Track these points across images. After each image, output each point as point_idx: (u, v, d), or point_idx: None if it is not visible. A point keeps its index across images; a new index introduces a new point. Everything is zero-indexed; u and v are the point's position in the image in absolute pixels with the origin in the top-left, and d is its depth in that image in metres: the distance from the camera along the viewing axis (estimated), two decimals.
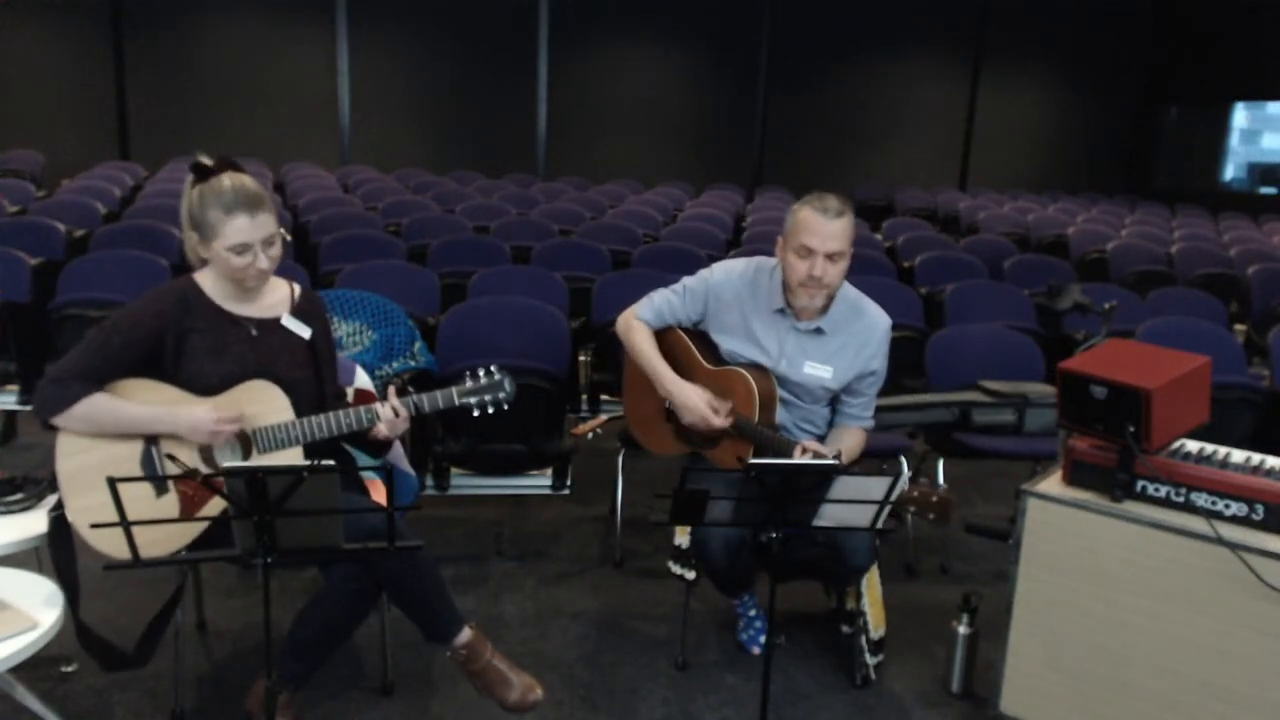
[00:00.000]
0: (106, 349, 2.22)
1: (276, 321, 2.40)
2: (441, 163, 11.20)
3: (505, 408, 2.46)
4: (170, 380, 2.28)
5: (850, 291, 2.78)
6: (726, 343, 2.79)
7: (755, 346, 2.75)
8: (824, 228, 2.54)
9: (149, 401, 2.25)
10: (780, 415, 2.74)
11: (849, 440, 2.77)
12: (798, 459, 2.50)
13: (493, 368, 2.46)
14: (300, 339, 2.42)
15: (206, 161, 2.29)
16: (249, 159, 9.82)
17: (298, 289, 2.50)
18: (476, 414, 2.45)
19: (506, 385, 2.45)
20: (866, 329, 2.74)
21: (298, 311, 2.45)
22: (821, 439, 2.80)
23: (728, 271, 2.82)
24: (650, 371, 2.82)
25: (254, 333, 2.36)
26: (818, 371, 2.72)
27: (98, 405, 2.19)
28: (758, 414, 2.67)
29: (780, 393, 2.74)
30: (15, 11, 10.78)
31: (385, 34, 12.10)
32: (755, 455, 2.67)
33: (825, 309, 2.71)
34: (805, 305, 2.67)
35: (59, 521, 2.29)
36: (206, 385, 2.28)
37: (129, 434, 2.24)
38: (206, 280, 2.35)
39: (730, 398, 2.72)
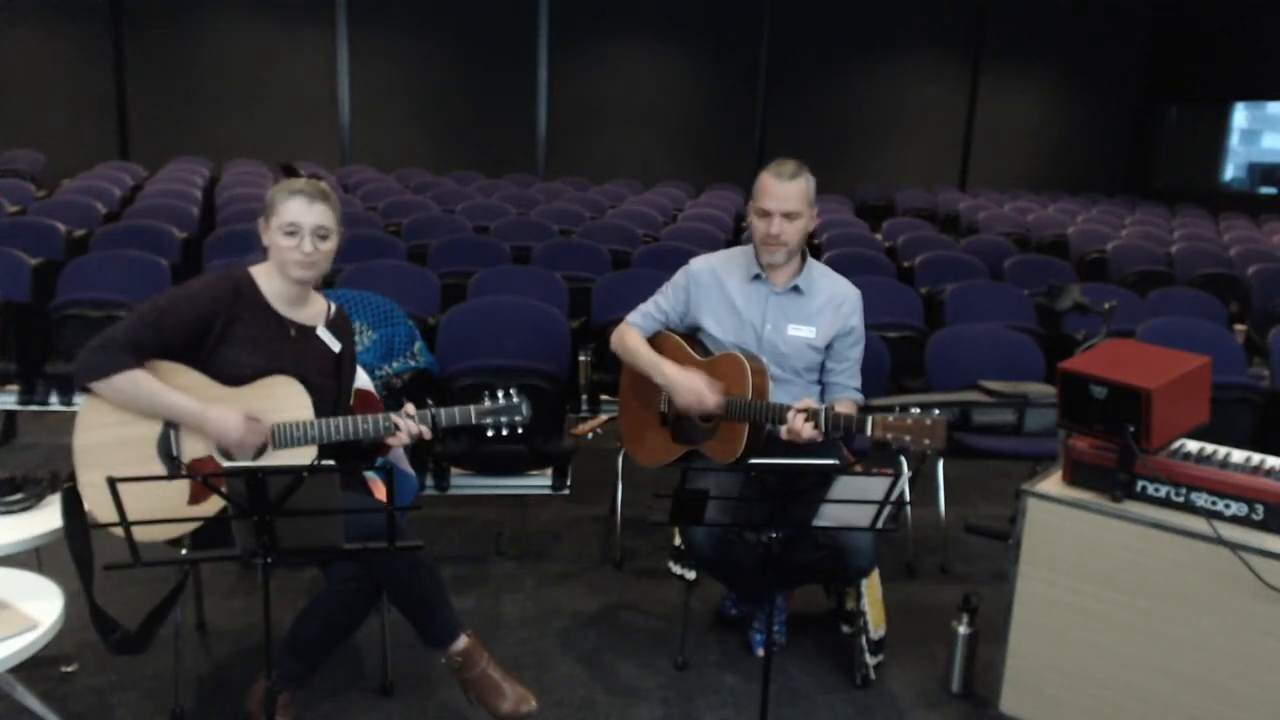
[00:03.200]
0: (158, 325, 2.27)
1: (313, 330, 2.50)
2: (441, 163, 11.21)
3: (520, 431, 2.52)
4: (204, 362, 2.33)
5: (821, 265, 2.96)
6: (712, 325, 2.86)
7: (738, 318, 2.83)
8: (779, 190, 2.73)
9: (177, 387, 2.28)
10: (776, 397, 2.76)
11: (841, 408, 2.80)
12: (793, 419, 2.58)
13: (512, 390, 2.52)
14: (331, 350, 2.52)
15: (299, 169, 2.41)
16: (249, 159, 9.85)
17: (333, 307, 2.60)
18: (491, 434, 2.50)
19: (524, 410, 2.52)
20: (843, 291, 2.91)
21: (331, 326, 2.55)
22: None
23: (704, 258, 2.97)
24: (645, 364, 2.86)
25: (293, 334, 2.44)
26: (801, 332, 2.83)
27: (137, 381, 2.23)
28: (751, 392, 2.70)
29: (772, 369, 2.78)
30: (15, 11, 10.79)
31: (385, 34, 12.10)
32: (752, 431, 2.70)
33: (799, 270, 2.86)
34: (769, 262, 2.82)
35: (71, 494, 2.31)
36: (239, 375, 2.33)
37: (155, 415, 2.28)
38: (261, 277, 2.44)
39: (723, 379, 2.76)
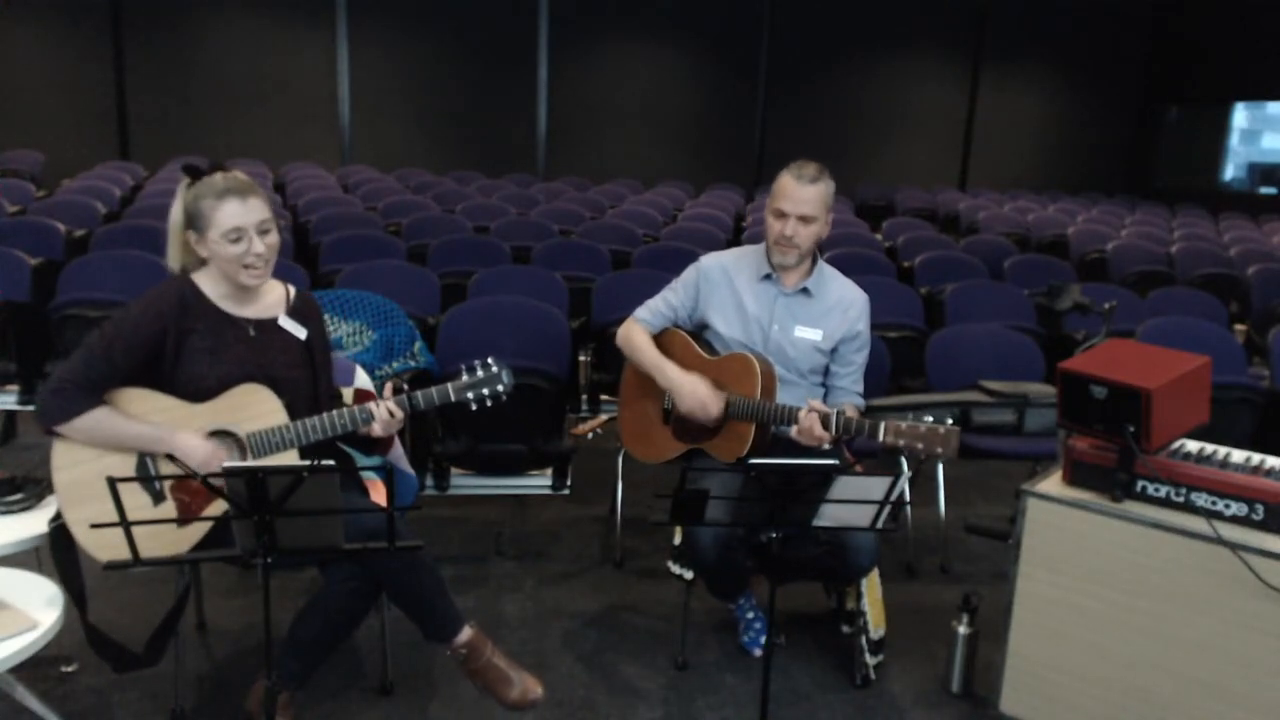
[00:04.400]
0: (109, 356, 2.21)
1: (274, 322, 2.41)
2: (441, 163, 11.21)
3: (504, 400, 2.43)
4: (167, 380, 2.28)
5: (832, 269, 2.95)
6: (720, 323, 2.86)
7: (746, 317, 2.84)
8: (797, 192, 2.73)
9: (143, 412, 2.25)
10: (781, 398, 2.76)
11: (850, 414, 2.80)
12: (804, 417, 2.57)
13: (490, 360, 2.44)
14: (297, 340, 2.43)
15: (198, 164, 2.34)
16: (249, 159, 9.85)
17: (293, 290, 2.51)
18: (475, 408, 2.43)
19: (504, 377, 2.43)
20: (850, 296, 2.91)
21: (293, 313, 2.46)
22: None
23: (715, 255, 2.97)
24: (649, 365, 2.85)
25: (252, 333, 2.37)
26: (808, 334, 2.83)
27: (99, 421, 2.20)
28: (759, 392, 2.70)
29: (777, 370, 2.78)
30: (15, 11, 10.78)
31: (385, 34, 12.10)
32: (758, 431, 2.70)
33: (810, 272, 2.86)
34: (779, 263, 2.82)
35: (60, 530, 2.29)
36: (204, 388, 2.28)
37: (122, 451, 2.25)
38: (205, 281, 2.35)
39: (731, 380, 2.76)
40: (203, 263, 2.35)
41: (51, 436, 2.23)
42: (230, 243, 2.25)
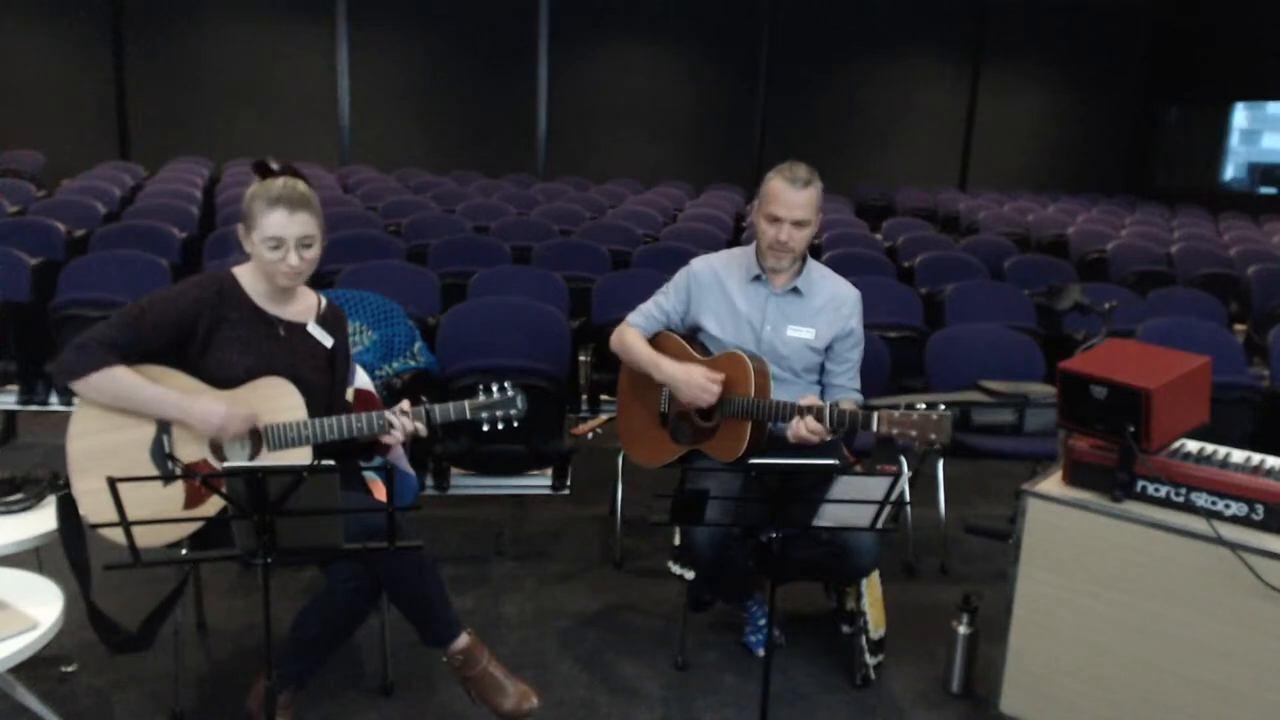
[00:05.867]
0: (138, 326, 2.25)
1: (303, 327, 2.47)
2: (441, 163, 11.21)
3: (515, 425, 2.50)
4: (193, 367, 2.31)
5: (821, 266, 2.96)
6: (712, 325, 2.86)
7: (738, 318, 2.83)
8: (791, 197, 2.71)
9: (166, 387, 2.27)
10: (776, 397, 2.76)
11: (845, 406, 2.80)
12: (797, 425, 2.56)
13: (506, 384, 2.50)
14: (323, 346, 2.49)
15: (272, 164, 2.39)
16: (249, 159, 9.84)
17: (324, 301, 2.57)
18: (486, 429, 2.48)
19: (519, 403, 2.49)
20: (842, 293, 2.90)
21: (322, 321, 2.52)
22: None
23: (705, 259, 2.96)
24: (644, 362, 2.86)
25: (282, 333, 2.42)
26: (800, 333, 2.83)
27: (117, 377, 2.22)
28: (754, 391, 2.70)
29: (772, 369, 2.78)
30: (15, 11, 10.78)
31: (385, 34, 12.10)
32: (755, 430, 2.70)
33: (799, 272, 2.86)
34: (773, 266, 2.82)
35: (66, 500, 2.30)
36: (231, 376, 2.32)
37: (140, 413, 2.26)
38: (245, 276, 2.41)
39: (726, 379, 2.75)
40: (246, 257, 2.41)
41: (69, 395, 2.25)
42: (269, 249, 2.31)
